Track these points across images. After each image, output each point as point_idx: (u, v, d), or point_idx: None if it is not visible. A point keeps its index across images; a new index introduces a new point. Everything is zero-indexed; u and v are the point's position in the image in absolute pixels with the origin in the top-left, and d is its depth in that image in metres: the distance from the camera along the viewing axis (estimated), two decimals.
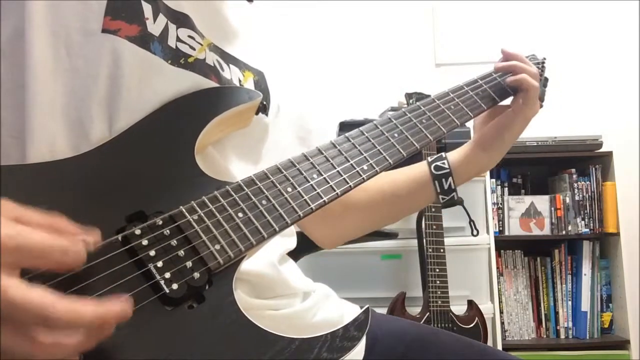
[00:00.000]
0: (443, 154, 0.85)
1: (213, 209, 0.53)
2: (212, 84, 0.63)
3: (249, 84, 0.70)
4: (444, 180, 0.82)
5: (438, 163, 0.83)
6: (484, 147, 0.84)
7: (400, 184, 0.85)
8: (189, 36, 0.64)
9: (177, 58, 0.61)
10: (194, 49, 0.63)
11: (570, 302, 2.45)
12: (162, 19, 0.61)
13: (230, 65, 0.69)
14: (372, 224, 0.91)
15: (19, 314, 0.35)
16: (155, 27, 0.60)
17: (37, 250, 0.37)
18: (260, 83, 0.72)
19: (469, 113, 0.79)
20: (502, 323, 2.40)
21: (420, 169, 0.85)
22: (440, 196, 0.83)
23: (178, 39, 0.62)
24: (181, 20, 0.63)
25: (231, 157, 0.66)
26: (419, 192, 0.85)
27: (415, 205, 0.90)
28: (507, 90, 0.84)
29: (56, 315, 0.35)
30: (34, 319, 0.35)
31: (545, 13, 2.68)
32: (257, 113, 0.67)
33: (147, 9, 0.60)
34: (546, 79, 0.91)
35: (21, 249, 0.37)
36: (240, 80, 0.69)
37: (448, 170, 0.82)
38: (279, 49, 0.82)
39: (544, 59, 0.92)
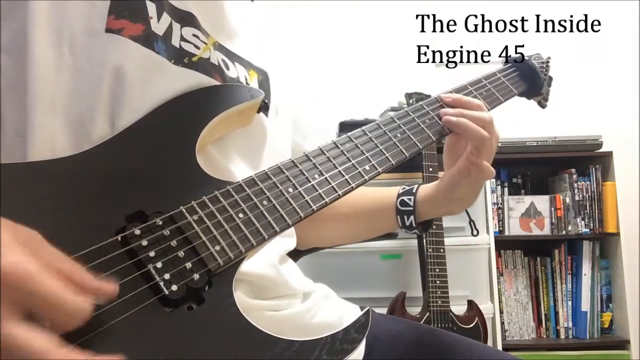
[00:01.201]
0: (415, 187, 0.82)
1: (214, 209, 0.53)
2: (215, 83, 0.63)
3: (254, 83, 0.70)
4: (405, 216, 0.81)
5: (405, 198, 0.81)
6: (443, 195, 0.79)
7: (368, 203, 0.84)
8: (194, 35, 0.63)
9: (180, 57, 0.61)
10: (198, 48, 0.63)
11: (570, 302, 2.45)
12: (166, 18, 0.61)
13: (236, 64, 0.68)
14: (335, 238, 0.90)
15: (17, 355, 0.36)
16: (159, 26, 0.60)
17: (49, 301, 0.38)
18: (264, 83, 0.72)
19: None
20: (502, 323, 2.40)
21: (389, 196, 0.83)
22: (402, 229, 0.82)
23: (182, 38, 0.62)
24: (186, 19, 0.63)
25: (232, 156, 0.66)
26: (382, 218, 0.83)
27: (377, 228, 0.87)
28: (513, 90, 0.82)
29: None
30: None
31: (545, 13, 2.67)
32: (258, 111, 0.67)
33: (152, 8, 0.60)
34: (550, 78, 0.90)
35: (34, 294, 0.37)
36: (246, 79, 0.69)
37: (411, 209, 0.80)
38: (280, 48, 0.82)
39: (549, 58, 0.91)
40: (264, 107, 0.68)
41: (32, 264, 0.37)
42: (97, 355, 0.38)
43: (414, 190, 0.82)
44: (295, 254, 0.78)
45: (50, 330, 0.38)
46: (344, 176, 0.62)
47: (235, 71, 0.67)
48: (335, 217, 0.84)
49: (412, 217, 0.80)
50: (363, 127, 0.68)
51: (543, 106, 0.89)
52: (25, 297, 0.37)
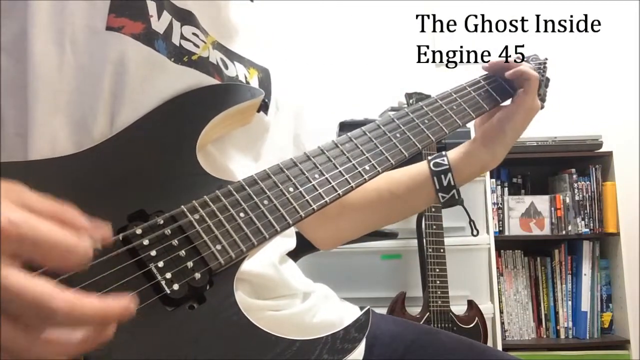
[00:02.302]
0: (443, 152, 0.84)
1: (214, 208, 0.53)
2: (215, 82, 0.63)
3: (254, 81, 0.70)
4: (442, 176, 0.81)
5: (437, 160, 0.83)
6: (485, 143, 0.83)
7: (399, 183, 0.84)
8: (193, 34, 0.63)
9: (180, 56, 0.61)
10: (197, 47, 0.63)
11: (570, 302, 2.45)
12: (166, 17, 0.61)
13: (235, 63, 0.68)
14: (370, 224, 0.90)
15: (17, 304, 0.34)
16: (159, 24, 0.60)
17: (41, 244, 0.35)
18: (264, 80, 0.72)
19: (471, 113, 0.78)
20: (502, 323, 2.40)
21: (419, 167, 0.84)
22: (440, 194, 0.82)
23: (182, 37, 0.62)
24: (185, 17, 0.63)
25: (231, 154, 0.66)
26: (418, 191, 0.84)
27: (414, 205, 0.89)
28: (508, 90, 0.83)
29: (55, 306, 0.34)
30: (32, 310, 0.34)
31: (545, 13, 2.68)
32: (258, 111, 0.67)
33: (152, 6, 0.60)
34: (548, 80, 0.91)
35: (24, 239, 0.35)
36: (246, 77, 0.69)
37: (447, 167, 0.82)
38: (280, 47, 0.82)
39: (546, 59, 0.91)
40: (263, 106, 0.68)
41: (15, 211, 0.35)
42: (103, 296, 0.37)
43: (443, 153, 0.83)
44: (295, 254, 0.78)
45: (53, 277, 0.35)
46: (344, 176, 0.62)
47: (234, 70, 0.67)
48: (359, 206, 0.84)
49: (449, 175, 0.81)
50: (362, 127, 0.68)
51: (541, 107, 0.89)
52: (17, 246, 0.35)
